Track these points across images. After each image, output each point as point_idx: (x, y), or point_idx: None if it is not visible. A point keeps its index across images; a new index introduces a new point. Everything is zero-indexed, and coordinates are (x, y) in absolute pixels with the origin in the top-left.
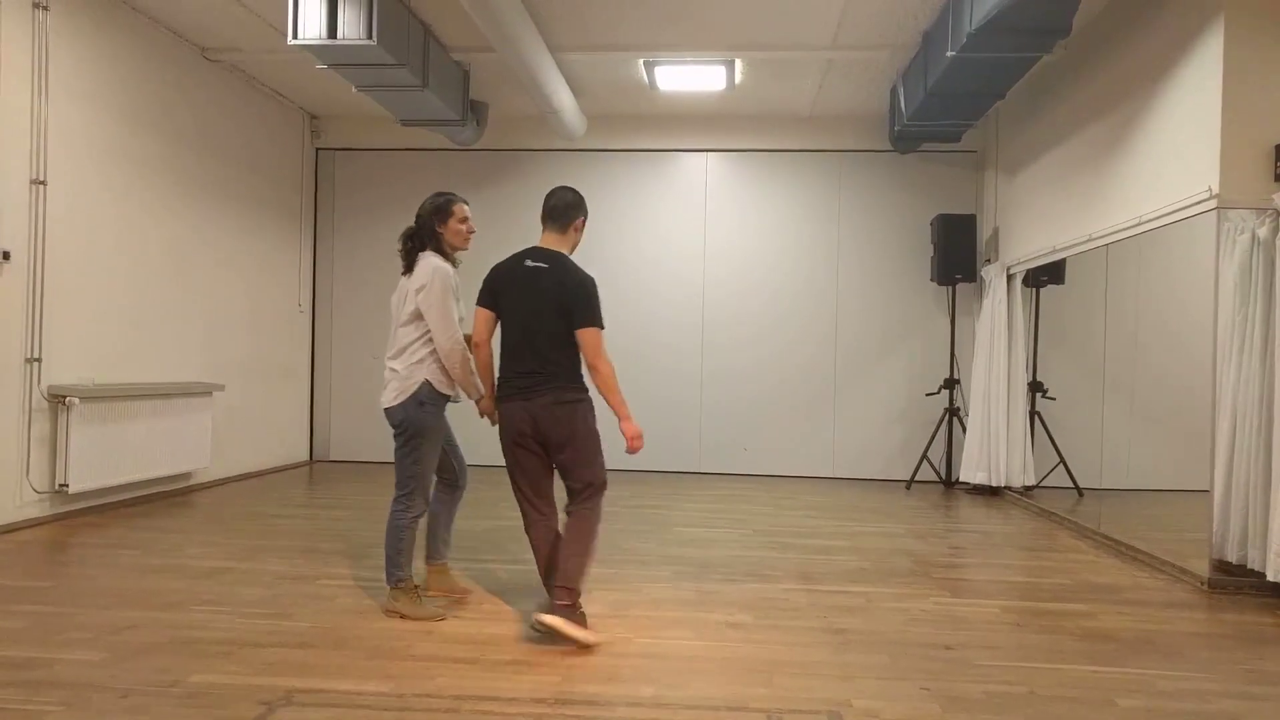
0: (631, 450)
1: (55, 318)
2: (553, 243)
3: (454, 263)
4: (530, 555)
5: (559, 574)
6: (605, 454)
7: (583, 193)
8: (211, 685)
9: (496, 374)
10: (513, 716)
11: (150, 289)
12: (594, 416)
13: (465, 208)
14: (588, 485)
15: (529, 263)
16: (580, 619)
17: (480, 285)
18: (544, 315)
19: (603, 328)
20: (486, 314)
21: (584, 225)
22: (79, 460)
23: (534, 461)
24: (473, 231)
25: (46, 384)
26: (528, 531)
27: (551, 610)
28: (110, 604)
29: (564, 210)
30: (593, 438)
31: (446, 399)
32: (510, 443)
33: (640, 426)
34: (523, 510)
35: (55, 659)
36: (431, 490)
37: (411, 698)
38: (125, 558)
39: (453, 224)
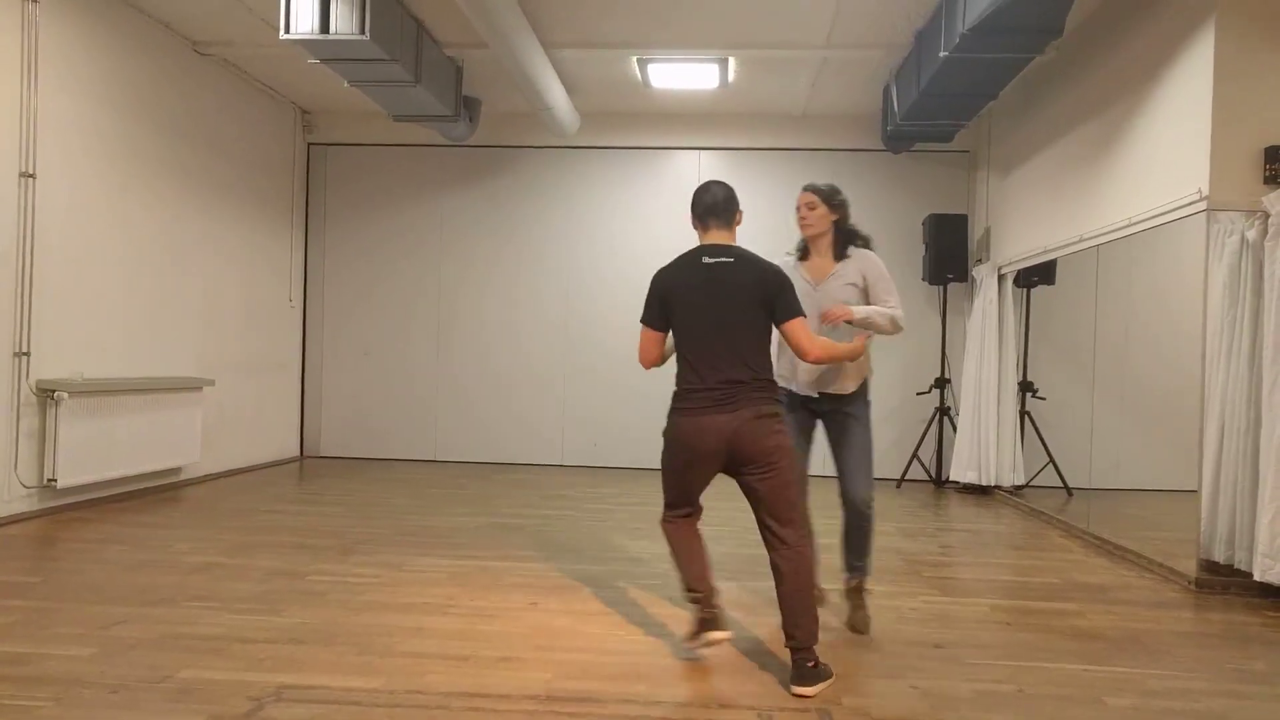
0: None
1: (44, 312)
2: (726, 239)
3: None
4: (525, 551)
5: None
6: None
7: (575, 190)
8: (202, 681)
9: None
10: (504, 713)
11: (140, 283)
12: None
13: (801, 195)
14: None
15: (707, 259)
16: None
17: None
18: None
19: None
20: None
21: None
22: (68, 455)
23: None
24: (803, 219)
25: (35, 378)
26: (668, 536)
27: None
28: (100, 599)
29: (727, 203)
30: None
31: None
32: (680, 461)
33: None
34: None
35: (45, 654)
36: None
37: (402, 694)
38: (114, 553)
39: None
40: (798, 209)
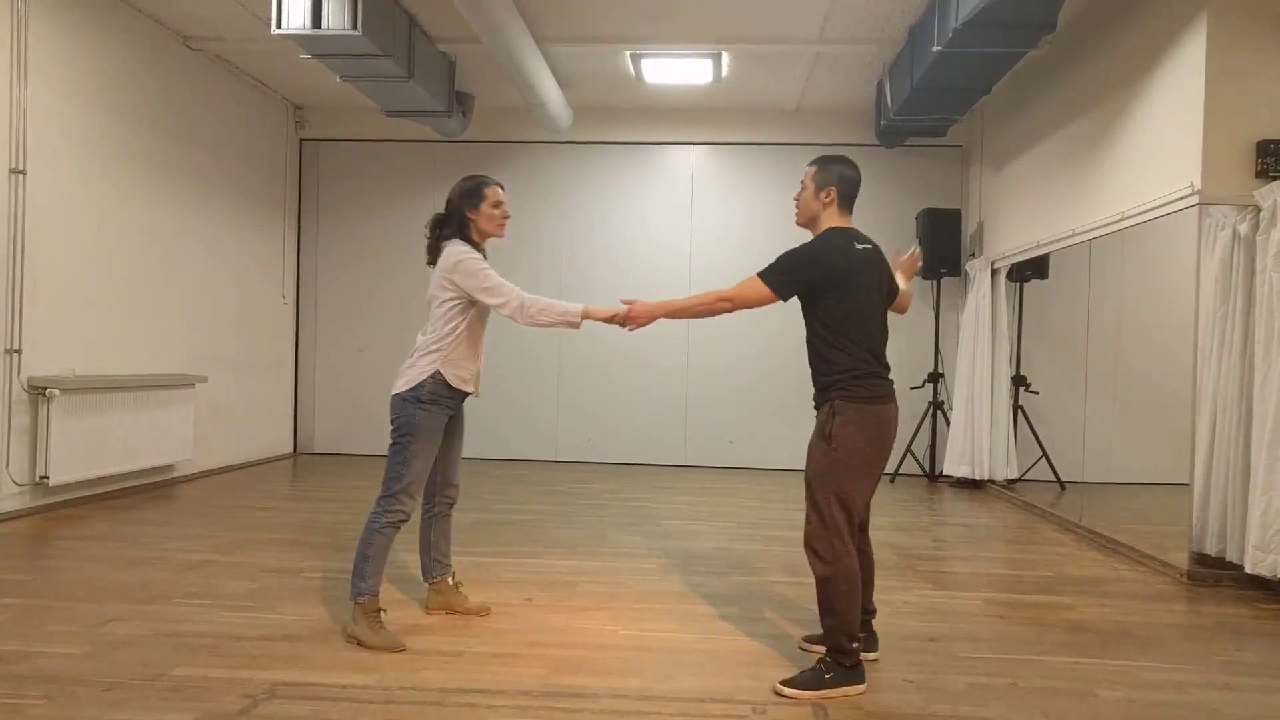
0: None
1: (35, 309)
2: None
3: (483, 252)
4: (520, 547)
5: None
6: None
7: (569, 185)
8: (195, 678)
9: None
10: (498, 709)
11: (132, 279)
12: None
13: (499, 191)
14: None
15: (859, 245)
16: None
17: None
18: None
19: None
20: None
21: (831, 195)
22: (60, 452)
23: None
24: (507, 216)
25: (27, 375)
26: (850, 570)
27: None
28: (92, 597)
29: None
30: None
31: (460, 397)
32: (882, 455)
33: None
34: (848, 546)
35: (37, 652)
36: (419, 498)
37: (396, 690)
38: (107, 550)
39: (485, 209)
40: (498, 204)
